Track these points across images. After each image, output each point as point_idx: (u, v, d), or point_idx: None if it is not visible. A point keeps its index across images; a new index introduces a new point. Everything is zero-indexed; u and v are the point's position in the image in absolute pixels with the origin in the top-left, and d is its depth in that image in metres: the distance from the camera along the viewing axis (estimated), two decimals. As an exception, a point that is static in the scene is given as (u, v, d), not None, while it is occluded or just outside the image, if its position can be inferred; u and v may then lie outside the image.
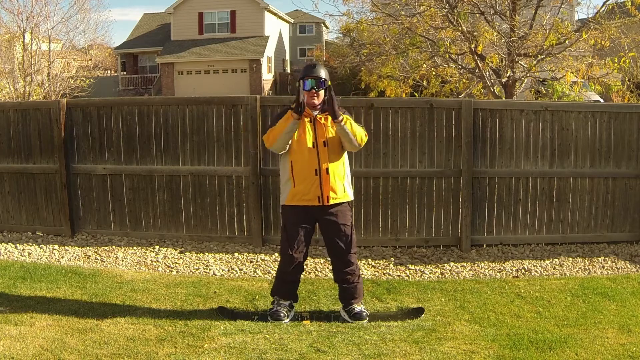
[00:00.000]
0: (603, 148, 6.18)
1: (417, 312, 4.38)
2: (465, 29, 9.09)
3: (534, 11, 9.75)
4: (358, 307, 4.27)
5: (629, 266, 5.71)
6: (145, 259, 5.80)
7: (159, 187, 6.28)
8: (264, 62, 31.62)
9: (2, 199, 6.57)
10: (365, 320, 4.20)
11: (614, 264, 5.76)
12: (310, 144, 4.08)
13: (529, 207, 6.19)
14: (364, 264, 5.71)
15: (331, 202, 4.11)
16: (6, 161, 6.50)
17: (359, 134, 4.10)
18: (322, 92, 4.05)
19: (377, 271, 5.54)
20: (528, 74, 9.30)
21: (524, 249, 6.13)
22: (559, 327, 4.16)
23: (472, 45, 9.09)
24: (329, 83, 4.03)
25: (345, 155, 4.26)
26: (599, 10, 9.10)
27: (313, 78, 4.01)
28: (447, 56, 9.73)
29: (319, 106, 4.09)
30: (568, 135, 6.14)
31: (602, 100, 13.29)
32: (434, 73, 11.70)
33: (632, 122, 6.19)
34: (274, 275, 5.30)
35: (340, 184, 4.17)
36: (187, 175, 6.22)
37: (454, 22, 8.89)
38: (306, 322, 4.24)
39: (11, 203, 6.56)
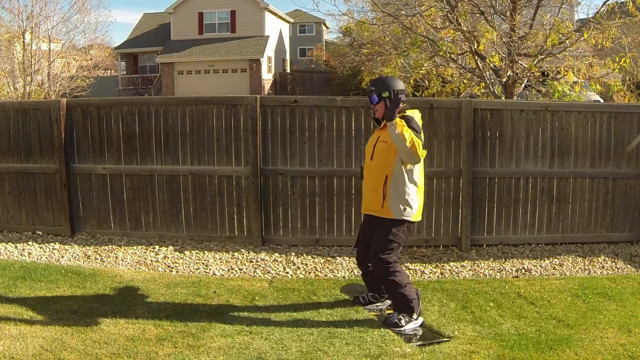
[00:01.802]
0: (603, 148, 6.18)
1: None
2: (465, 29, 9.08)
3: (534, 11, 9.74)
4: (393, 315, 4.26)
5: (628, 266, 5.71)
6: (145, 258, 5.80)
7: (159, 187, 6.28)
8: (264, 62, 31.62)
9: (2, 199, 6.57)
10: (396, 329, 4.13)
11: (613, 264, 5.76)
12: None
13: (529, 207, 6.19)
14: (364, 263, 5.70)
15: (368, 213, 4.31)
16: (6, 161, 6.50)
17: (411, 138, 3.93)
18: (379, 106, 4.20)
19: (377, 271, 5.53)
20: (528, 74, 9.29)
21: (524, 248, 6.13)
22: (559, 327, 4.17)
23: (473, 46, 9.08)
24: (385, 94, 4.14)
25: (400, 169, 4.14)
26: (599, 10, 9.10)
27: (369, 92, 4.26)
28: (448, 56, 9.72)
29: (379, 119, 4.24)
30: (568, 135, 6.14)
31: (602, 100, 13.28)
32: (434, 73, 11.70)
33: (632, 122, 6.19)
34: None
35: (379, 198, 4.18)
36: (187, 175, 6.22)
37: (454, 22, 8.88)
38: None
39: (11, 203, 6.55)
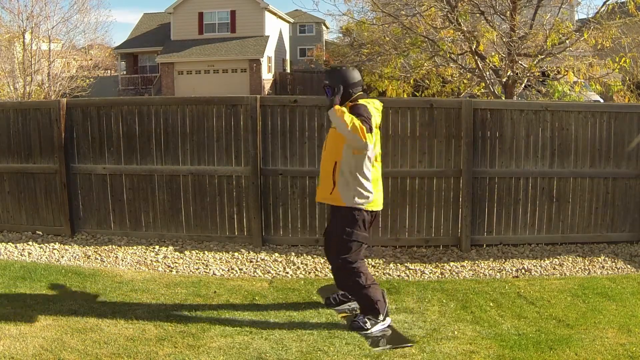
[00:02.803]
0: (603, 148, 6.18)
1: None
2: (465, 29, 9.08)
3: (534, 11, 9.74)
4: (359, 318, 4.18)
5: (628, 266, 5.70)
6: (145, 258, 5.80)
7: (159, 187, 6.28)
8: (264, 62, 31.62)
9: (2, 199, 6.56)
10: (361, 332, 4.07)
11: (613, 264, 5.76)
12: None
13: (528, 207, 6.19)
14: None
15: (321, 201, 4.33)
16: (6, 161, 6.50)
17: (352, 122, 3.90)
18: (334, 98, 4.14)
19: (377, 271, 5.53)
20: (528, 74, 9.29)
21: (524, 248, 6.12)
22: (559, 327, 4.17)
23: (473, 46, 9.08)
24: (337, 89, 4.12)
25: (349, 155, 4.09)
26: (599, 10, 9.10)
27: (323, 85, 4.26)
28: (448, 56, 9.72)
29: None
30: (568, 135, 6.14)
31: (602, 100, 13.28)
32: (434, 73, 11.70)
33: (632, 122, 6.18)
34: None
35: (329, 184, 4.14)
36: (187, 175, 6.22)
37: (454, 22, 8.88)
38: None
39: (11, 203, 6.55)
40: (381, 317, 4.13)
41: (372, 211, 4.20)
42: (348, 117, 3.92)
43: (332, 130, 4.20)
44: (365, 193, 4.10)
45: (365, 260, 4.40)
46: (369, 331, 4.04)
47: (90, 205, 6.41)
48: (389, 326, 4.15)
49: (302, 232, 6.16)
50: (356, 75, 4.22)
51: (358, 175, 4.08)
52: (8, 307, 4.35)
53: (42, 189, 6.45)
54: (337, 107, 3.99)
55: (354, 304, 4.42)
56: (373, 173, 4.15)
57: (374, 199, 4.17)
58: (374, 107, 4.18)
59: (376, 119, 4.13)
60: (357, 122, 3.89)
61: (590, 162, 6.18)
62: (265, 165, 6.09)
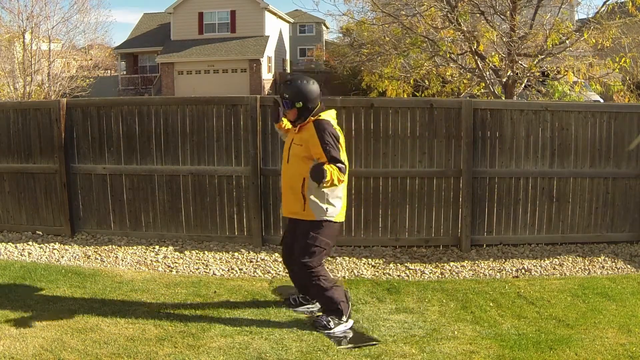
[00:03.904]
0: (603, 148, 6.18)
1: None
2: (465, 29, 9.09)
3: (534, 11, 9.75)
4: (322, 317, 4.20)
5: (628, 266, 5.71)
6: (145, 258, 5.80)
7: (159, 187, 6.28)
8: (264, 62, 31.62)
9: (2, 199, 6.56)
10: (324, 332, 4.09)
11: (613, 264, 5.76)
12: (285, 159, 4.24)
13: (528, 207, 6.19)
14: (364, 263, 5.71)
15: (286, 214, 4.26)
16: (6, 161, 6.50)
17: (336, 178, 3.90)
18: (292, 112, 4.13)
19: (377, 271, 5.54)
20: (528, 74, 9.29)
21: (523, 248, 6.12)
22: (559, 327, 4.17)
23: (473, 46, 9.08)
24: (299, 105, 4.06)
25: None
26: (599, 10, 9.10)
27: (281, 98, 4.15)
28: (448, 56, 9.73)
29: (293, 122, 4.19)
30: (568, 135, 6.14)
31: (602, 100, 13.29)
32: (434, 73, 11.71)
33: (632, 122, 6.18)
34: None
35: (299, 201, 4.10)
36: (187, 175, 6.22)
37: (454, 22, 8.89)
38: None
39: (11, 203, 6.55)
40: (344, 318, 4.16)
41: (340, 222, 4.24)
42: (335, 176, 3.89)
43: (295, 147, 4.12)
44: (338, 205, 4.13)
45: (324, 265, 4.38)
46: (331, 330, 4.06)
47: (90, 205, 6.41)
48: (351, 328, 4.16)
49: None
50: (316, 89, 4.14)
51: (328, 190, 4.07)
52: (8, 307, 4.35)
53: (42, 189, 6.46)
54: (329, 177, 3.86)
55: (314, 307, 4.42)
56: (343, 186, 4.16)
57: (342, 208, 4.18)
58: (333, 119, 4.17)
59: (338, 134, 4.12)
60: (336, 175, 3.89)
61: (590, 162, 6.18)
62: (265, 165, 6.09)
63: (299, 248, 4.14)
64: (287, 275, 5.38)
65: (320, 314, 4.27)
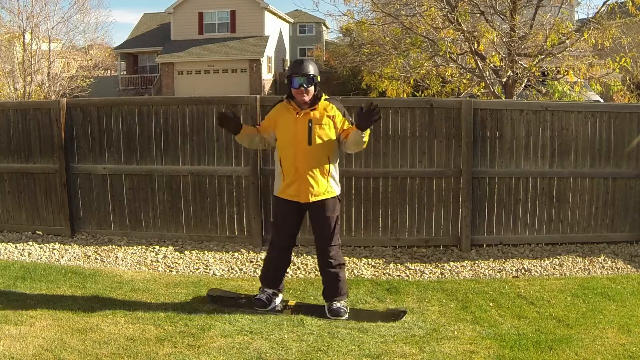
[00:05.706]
0: (603, 148, 6.18)
1: (401, 313, 4.35)
2: (465, 29, 9.08)
3: (534, 11, 9.74)
4: (337, 304, 4.30)
5: (628, 266, 5.71)
6: (145, 258, 5.80)
7: (159, 187, 6.28)
8: (264, 62, 31.62)
9: (2, 199, 6.56)
10: (344, 317, 4.23)
11: (613, 264, 5.76)
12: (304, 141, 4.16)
13: (528, 207, 6.19)
14: (364, 263, 5.71)
15: (312, 199, 4.22)
16: (6, 161, 6.50)
17: (367, 140, 4.14)
18: (311, 89, 4.12)
19: (377, 271, 5.54)
20: (528, 74, 9.29)
21: (523, 249, 6.12)
22: (559, 327, 4.16)
23: (473, 46, 9.08)
24: (317, 79, 4.14)
25: (337, 149, 4.29)
26: (599, 10, 9.11)
27: (302, 75, 4.08)
28: (448, 56, 9.72)
29: (309, 102, 4.15)
30: (568, 135, 6.14)
31: (602, 100, 13.29)
32: (434, 73, 11.70)
33: (632, 122, 6.18)
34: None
35: (325, 179, 4.21)
36: (187, 175, 6.22)
37: (454, 22, 8.88)
38: (291, 303, 4.48)
39: (11, 203, 6.55)
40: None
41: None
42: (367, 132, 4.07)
43: (317, 128, 4.12)
44: (338, 179, 4.35)
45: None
46: (346, 316, 4.25)
47: (90, 205, 6.41)
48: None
49: (302, 232, 6.14)
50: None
51: (337, 165, 4.33)
52: (8, 307, 4.35)
53: (42, 189, 6.46)
54: (367, 130, 4.03)
55: (278, 299, 4.48)
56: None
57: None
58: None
59: None
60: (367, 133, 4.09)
61: (590, 162, 6.18)
62: (265, 165, 6.09)
63: (331, 234, 4.23)
64: (287, 275, 5.39)
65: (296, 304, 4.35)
